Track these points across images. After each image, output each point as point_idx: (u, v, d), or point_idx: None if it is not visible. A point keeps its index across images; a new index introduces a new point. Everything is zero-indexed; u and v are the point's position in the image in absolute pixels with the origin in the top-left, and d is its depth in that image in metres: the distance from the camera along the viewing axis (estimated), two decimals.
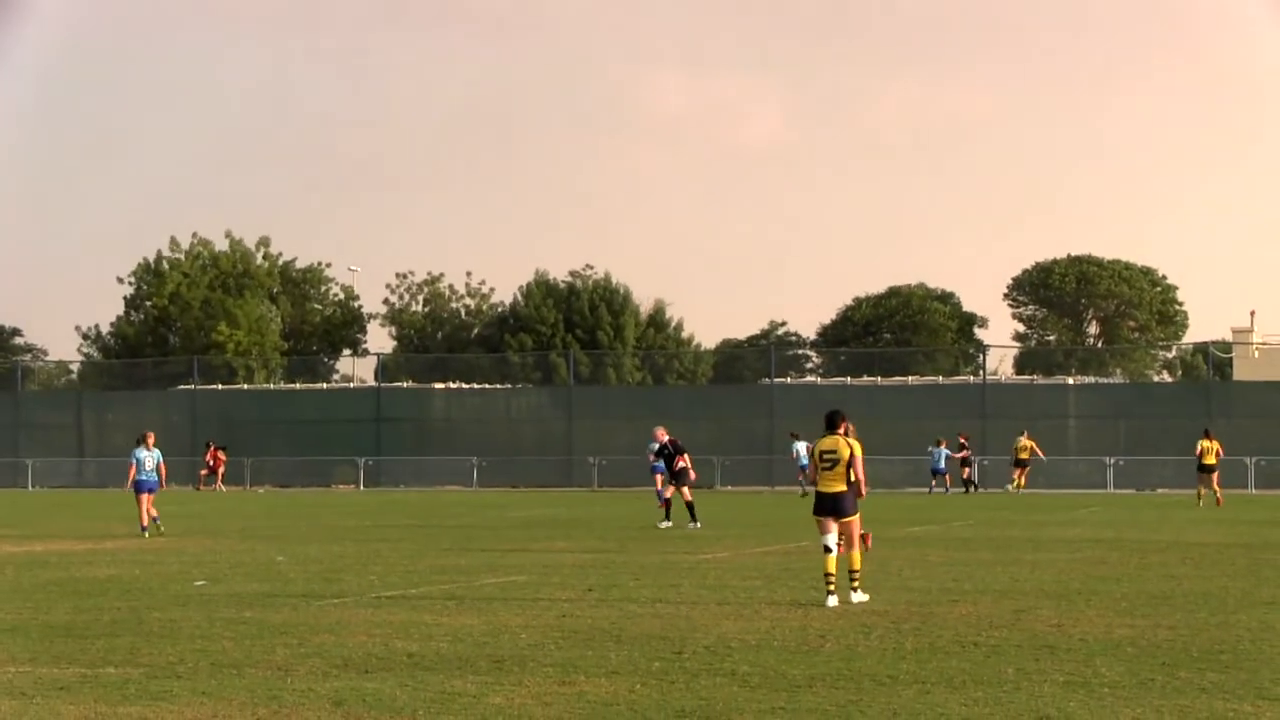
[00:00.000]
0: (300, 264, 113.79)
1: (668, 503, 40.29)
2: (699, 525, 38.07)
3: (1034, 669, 15.31)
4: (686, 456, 39.95)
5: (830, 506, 21.43)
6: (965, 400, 74.60)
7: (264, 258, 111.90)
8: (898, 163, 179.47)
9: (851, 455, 21.35)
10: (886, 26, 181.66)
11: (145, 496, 36.88)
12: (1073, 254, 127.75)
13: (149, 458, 37.46)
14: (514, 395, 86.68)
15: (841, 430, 21.68)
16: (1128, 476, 68.39)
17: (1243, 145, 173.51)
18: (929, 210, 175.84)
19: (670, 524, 38.70)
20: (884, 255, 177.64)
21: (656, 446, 41.43)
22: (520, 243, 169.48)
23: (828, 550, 21.25)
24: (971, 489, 65.20)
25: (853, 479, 21.40)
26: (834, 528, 21.36)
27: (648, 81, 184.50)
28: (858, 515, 21.55)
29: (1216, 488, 50.85)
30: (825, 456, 21.49)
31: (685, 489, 39.26)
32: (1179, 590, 22.57)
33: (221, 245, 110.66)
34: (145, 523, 36.91)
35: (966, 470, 65.68)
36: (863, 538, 26.94)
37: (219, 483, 73.86)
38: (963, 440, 65.63)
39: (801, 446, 58.35)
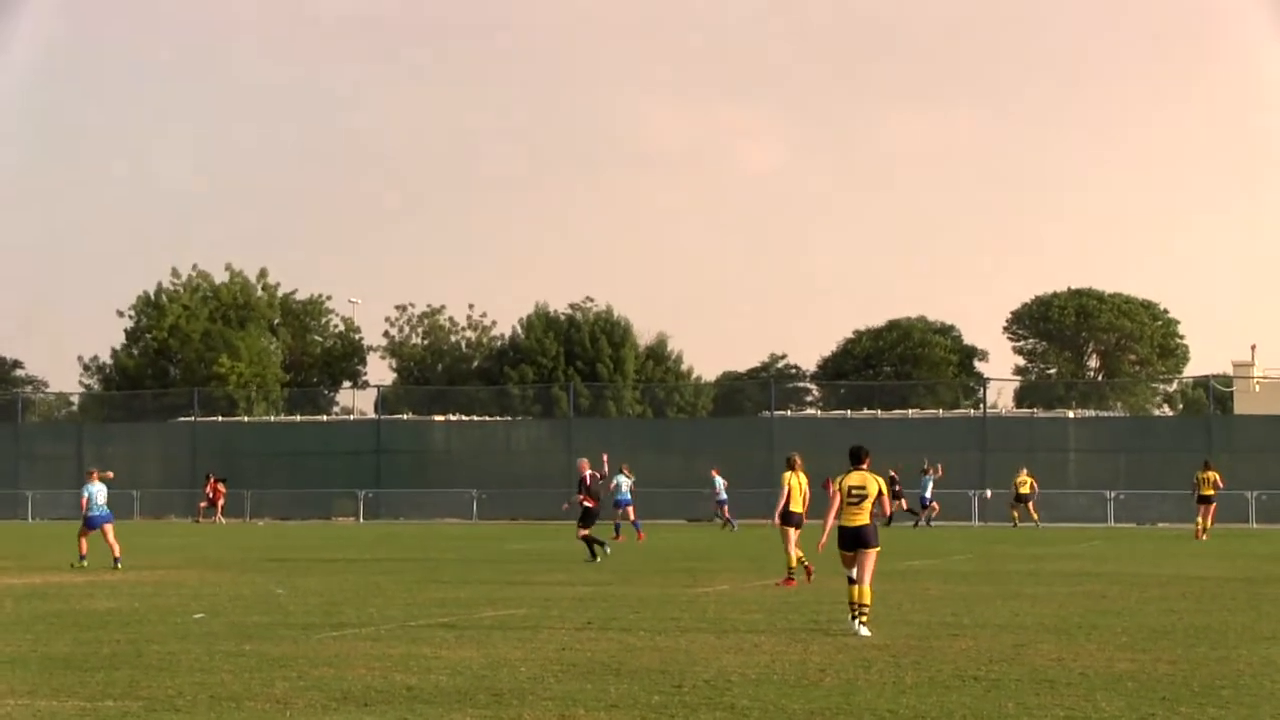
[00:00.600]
0: (300, 296, 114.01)
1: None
2: (599, 558, 38.60)
3: (1035, 704, 15.29)
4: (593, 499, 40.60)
5: (854, 539, 21.92)
6: (965, 433, 74.60)
7: (263, 289, 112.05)
8: (898, 195, 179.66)
9: (880, 493, 21.96)
10: (887, 58, 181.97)
11: (105, 528, 37.03)
12: (1073, 287, 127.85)
13: (100, 492, 37.64)
14: (514, 427, 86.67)
15: (865, 465, 22.18)
16: (1128, 510, 68.35)
17: (1245, 179, 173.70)
18: (929, 243, 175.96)
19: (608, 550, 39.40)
20: (884, 288, 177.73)
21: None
22: (521, 275, 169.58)
23: (853, 582, 21.73)
24: (917, 521, 65.01)
25: (877, 512, 21.99)
26: (856, 559, 21.89)
27: (648, 113, 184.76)
28: (877, 549, 22.07)
29: (1209, 520, 50.95)
30: (854, 491, 21.97)
31: (588, 529, 39.63)
32: (1179, 624, 22.55)
33: (221, 277, 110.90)
34: (84, 552, 37.20)
35: (901, 502, 64.17)
36: (806, 569, 27.20)
37: (219, 515, 73.80)
38: (893, 475, 63.82)
39: (720, 482, 57.92)
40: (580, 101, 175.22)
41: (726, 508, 62.71)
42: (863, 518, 21.90)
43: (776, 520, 31.53)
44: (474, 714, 14.80)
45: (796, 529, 30.94)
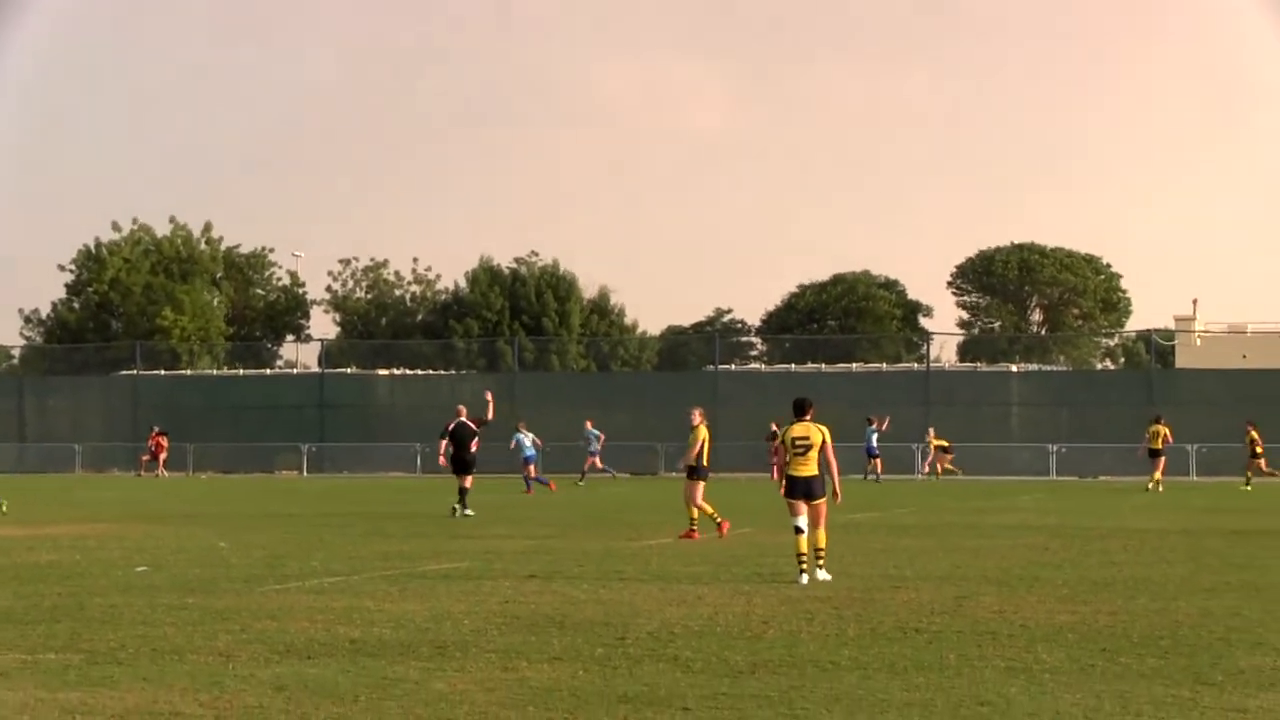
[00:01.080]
0: (244, 249, 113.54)
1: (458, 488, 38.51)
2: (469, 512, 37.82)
3: (975, 655, 15.36)
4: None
5: (804, 490, 22.51)
6: (909, 387, 74.80)
7: (207, 243, 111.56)
8: (842, 150, 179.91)
9: (824, 441, 22.49)
10: (833, 14, 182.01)
11: None
12: (1016, 242, 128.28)
13: None
14: (458, 381, 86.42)
15: (809, 416, 22.65)
16: (1070, 463, 68.67)
17: (1186, 134, 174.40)
18: (874, 198, 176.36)
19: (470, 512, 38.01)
20: (829, 243, 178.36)
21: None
22: (466, 229, 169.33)
23: (799, 531, 22.34)
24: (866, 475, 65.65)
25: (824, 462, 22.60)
26: (805, 509, 22.44)
27: (594, 67, 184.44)
28: (825, 498, 22.64)
29: (1158, 473, 51.54)
30: (798, 442, 22.54)
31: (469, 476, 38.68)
32: (1120, 577, 22.68)
33: (165, 230, 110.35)
34: None
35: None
36: (719, 526, 27.37)
37: (161, 468, 73.51)
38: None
39: (525, 438, 58.12)
40: (526, 55, 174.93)
41: (599, 459, 63.05)
42: (810, 468, 22.48)
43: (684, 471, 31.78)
44: (417, 666, 14.78)
45: (704, 481, 31.15)
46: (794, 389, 72.60)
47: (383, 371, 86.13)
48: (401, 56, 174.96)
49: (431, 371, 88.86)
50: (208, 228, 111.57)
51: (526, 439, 57.07)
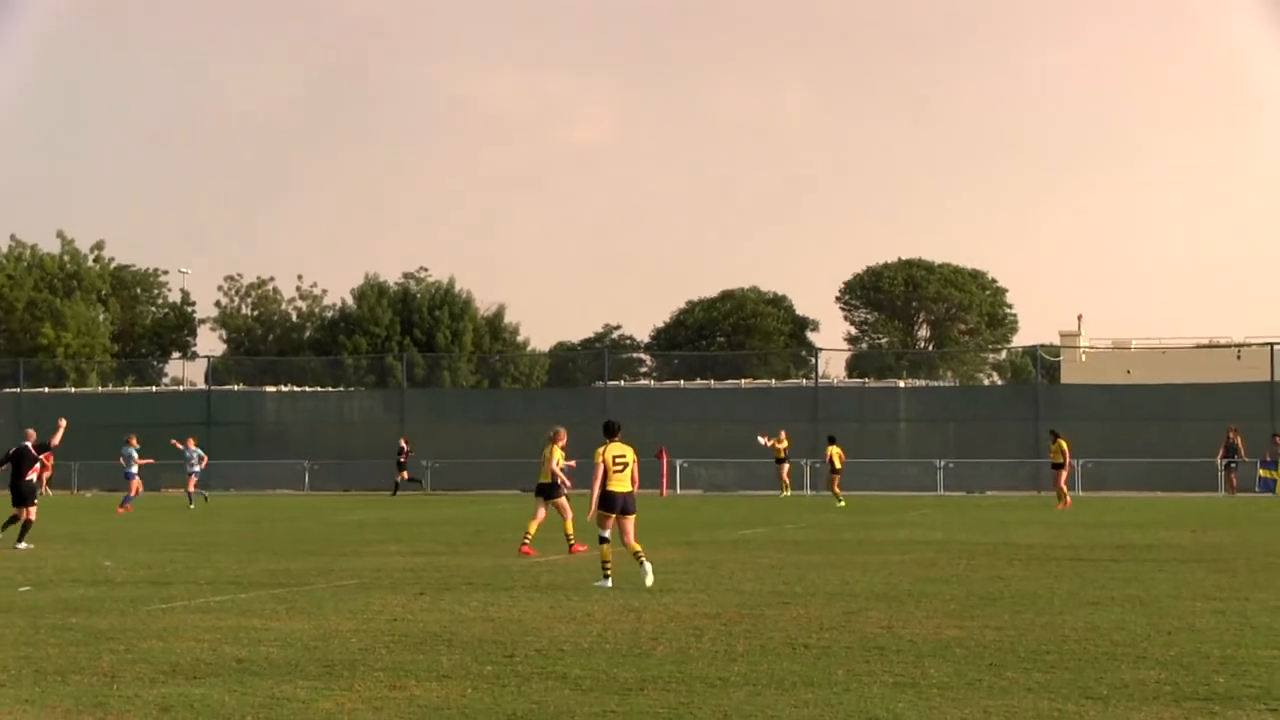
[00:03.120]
0: (137, 268, 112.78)
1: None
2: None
3: (864, 670, 15.41)
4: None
5: (624, 505, 24.23)
6: (798, 403, 74.96)
7: (95, 260, 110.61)
8: (730, 166, 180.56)
9: (634, 459, 24.61)
10: (718, 28, 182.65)
11: None
12: (903, 258, 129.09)
13: None
14: (346, 398, 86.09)
15: (618, 437, 24.73)
16: (957, 479, 68.99)
17: (1070, 151, 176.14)
18: (762, 214, 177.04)
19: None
20: (717, 259, 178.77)
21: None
22: (353, 246, 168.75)
23: (605, 541, 24.19)
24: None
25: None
26: (612, 522, 24.19)
27: (481, 82, 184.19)
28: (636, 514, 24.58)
29: (1063, 488, 52.21)
30: (617, 460, 24.39)
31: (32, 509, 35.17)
32: (1006, 591, 22.82)
33: (54, 247, 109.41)
34: None
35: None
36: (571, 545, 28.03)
37: (45, 487, 72.65)
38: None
39: (133, 451, 58.95)
40: (411, 69, 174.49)
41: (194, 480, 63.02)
42: (626, 484, 24.34)
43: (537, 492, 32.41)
44: (304, 685, 14.69)
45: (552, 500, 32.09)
46: (683, 405, 73.25)
47: (270, 388, 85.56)
48: (284, 73, 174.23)
49: (319, 388, 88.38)
50: (98, 245, 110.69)
51: (194, 453, 60.17)
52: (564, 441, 32.87)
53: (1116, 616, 19.64)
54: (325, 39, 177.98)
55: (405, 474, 68.41)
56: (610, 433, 24.73)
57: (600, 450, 24.28)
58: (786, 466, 64.27)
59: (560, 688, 14.57)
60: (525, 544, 31.08)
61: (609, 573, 23.88)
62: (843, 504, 53.87)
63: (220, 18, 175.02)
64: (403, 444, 69.54)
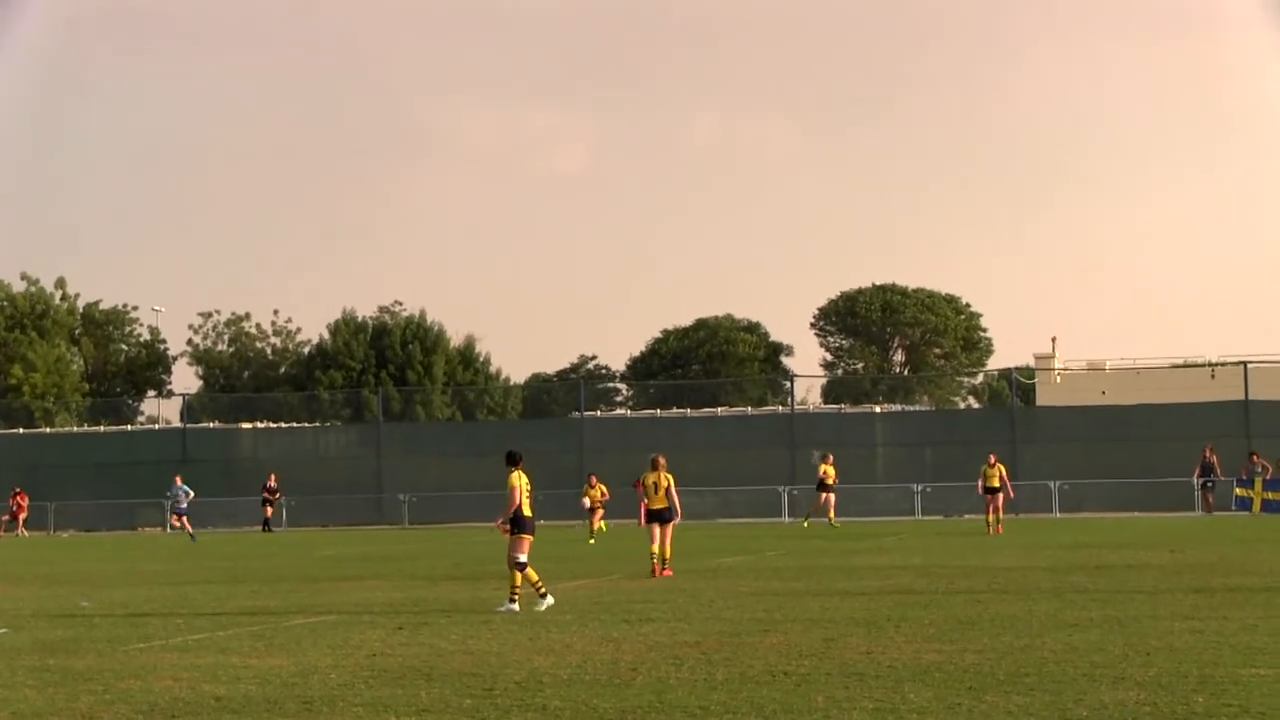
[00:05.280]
0: (105, 305, 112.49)
1: None
2: None
3: (844, 697, 15.40)
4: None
5: (533, 526, 26.25)
6: (774, 430, 75.04)
7: (62, 298, 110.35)
8: (703, 194, 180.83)
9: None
10: (690, 59, 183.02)
11: None
12: (877, 283, 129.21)
13: None
14: (322, 433, 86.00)
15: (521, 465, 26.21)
16: (935, 503, 69.05)
17: (1041, 174, 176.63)
18: (735, 241, 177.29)
19: None
20: (691, 287, 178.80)
21: None
22: (327, 281, 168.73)
23: (524, 566, 25.64)
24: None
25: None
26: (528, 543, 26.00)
27: (457, 114, 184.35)
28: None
29: (1000, 512, 51.81)
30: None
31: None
32: (985, 615, 22.82)
33: (19, 287, 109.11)
34: None
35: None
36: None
37: (20, 528, 72.50)
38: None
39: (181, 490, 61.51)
40: (386, 100, 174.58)
41: (180, 518, 62.80)
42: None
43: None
44: None
45: (660, 524, 33.33)
46: (661, 434, 73.18)
47: (246, 425, 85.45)
48: (258, 103, 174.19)
49: (295, 424, 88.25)
50: (60, 283, 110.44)
51: (181, 490, 60.99)
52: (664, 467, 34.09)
53: (1095, 638, 19.65)
54: (300, 72, 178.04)
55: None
56: (515, 461, 26.20)
57: (519, 478, 26.04)
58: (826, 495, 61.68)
59: (540, 719, 14.54)
60: (656, 566, 32.74)
61: (517, 596, 25.38)
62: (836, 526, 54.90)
63: (197, 49, 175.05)
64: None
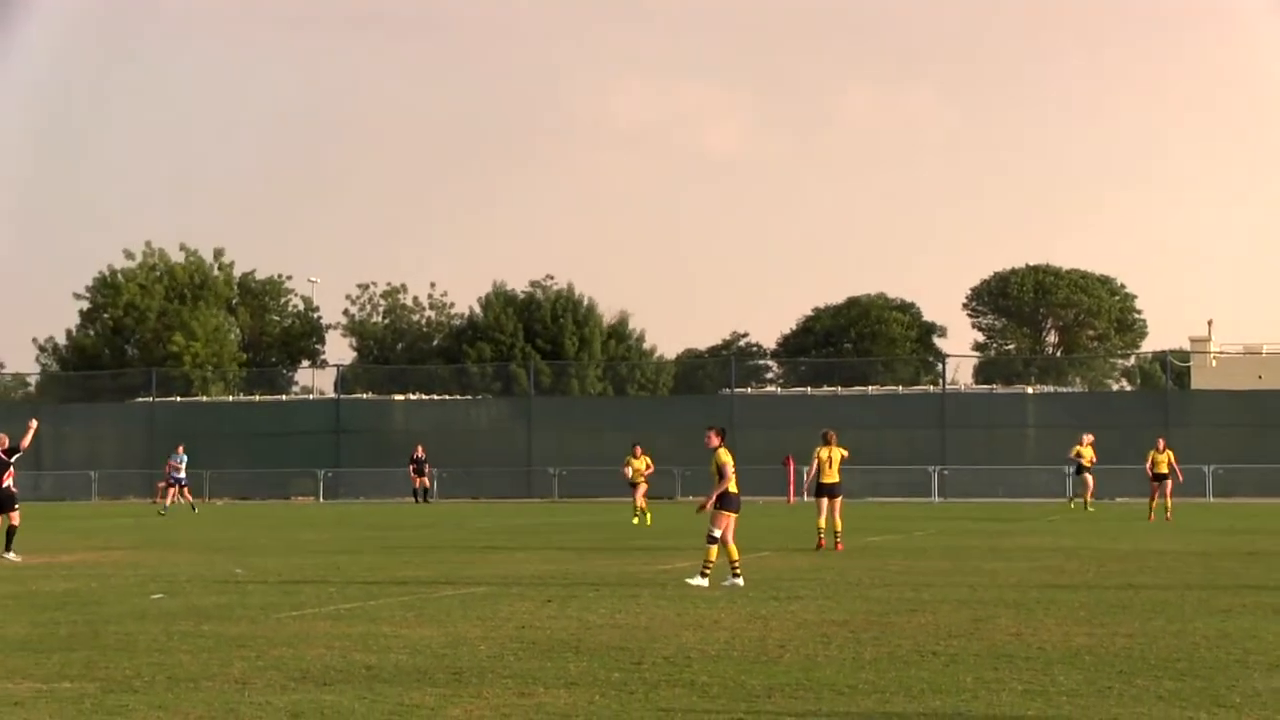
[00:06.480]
0: (260, 275, 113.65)
1: None
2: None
3: (992, 678, 15.31)
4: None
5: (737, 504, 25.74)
6: (924, 409, 74.72)
7: (219, 268, 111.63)
8: (859, 173, 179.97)
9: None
10: (850, 35, 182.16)
11: None
12: (1031, 263, 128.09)
13: None
14: (473, 406, 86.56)
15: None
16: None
17: (1203, 155, 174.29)
18: (889, 220, 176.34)
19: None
20: (844, 265, 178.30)
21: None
22: (482, 253, 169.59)
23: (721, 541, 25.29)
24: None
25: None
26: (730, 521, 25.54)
27: (611, 91, 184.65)
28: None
29: (1168, 499, 50.50)
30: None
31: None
32: (1137, 599, 22.61)
33: (176, 257, 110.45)
34: None
35: None
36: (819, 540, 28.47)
37: (187, 495, 73.38)
38: None
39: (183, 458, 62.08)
40: (543, 79, 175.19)
41: (183, 488, 62.43)
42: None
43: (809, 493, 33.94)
44: (433, 693, 14.76)
45: (829, 499, 34.26)
46: (810, 412, 72.99)
47: (398, 396, 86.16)
48: (416, 80, 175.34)
49: (447, 396, 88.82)
50: (219, 253, 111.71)
51: (183, 459, 61.18)
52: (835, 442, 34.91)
53: (1248, 624, 19.41)
54: (457, 46, 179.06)
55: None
56: (723, 436, 26.14)
57: (726, 453, 25.65)
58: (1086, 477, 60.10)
59: (687, 695, 14.57)
60: (821, 539, 33.94)
61: (708, 572, 25.19)
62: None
63: (357, 29, 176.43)
64: (419, 452, 70.30)
